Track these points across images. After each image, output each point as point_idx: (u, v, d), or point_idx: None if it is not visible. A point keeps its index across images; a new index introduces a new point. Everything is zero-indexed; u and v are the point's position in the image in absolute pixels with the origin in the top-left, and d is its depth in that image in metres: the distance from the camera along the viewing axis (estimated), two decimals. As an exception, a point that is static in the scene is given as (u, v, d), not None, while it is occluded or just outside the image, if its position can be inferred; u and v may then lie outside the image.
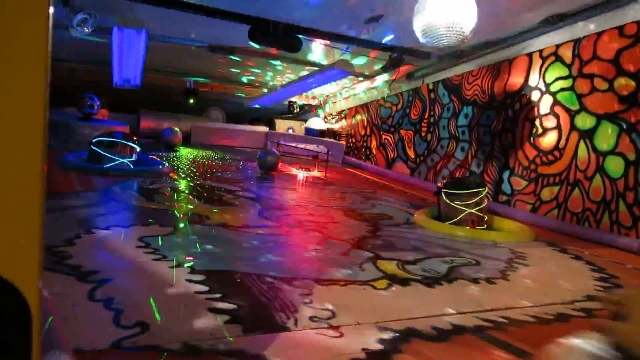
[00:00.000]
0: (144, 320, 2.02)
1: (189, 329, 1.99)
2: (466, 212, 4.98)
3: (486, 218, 5.11)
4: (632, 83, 4.92)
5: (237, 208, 4.85)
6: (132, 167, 6.44)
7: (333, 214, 5.08)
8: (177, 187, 5.75)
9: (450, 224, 4.98)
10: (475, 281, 3.14)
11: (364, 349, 1.96)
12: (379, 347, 2.00)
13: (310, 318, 2.22)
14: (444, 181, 5.35)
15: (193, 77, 10.90)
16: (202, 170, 7.36)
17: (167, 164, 7.36)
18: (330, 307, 2.39)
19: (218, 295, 2.38)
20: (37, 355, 0.72)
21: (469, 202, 5.01)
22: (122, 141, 6.39)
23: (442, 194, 5.16)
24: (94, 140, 6.36)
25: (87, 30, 5.65)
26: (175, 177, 6.51)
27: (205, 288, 2.47)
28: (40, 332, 0.72)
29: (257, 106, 12.63)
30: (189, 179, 6.43)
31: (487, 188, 5.34)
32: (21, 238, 0.70)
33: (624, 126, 4.98)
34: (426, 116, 8.61)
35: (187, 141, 11.49)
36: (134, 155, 6.55)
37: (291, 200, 5.69)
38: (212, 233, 3.69)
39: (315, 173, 8.61)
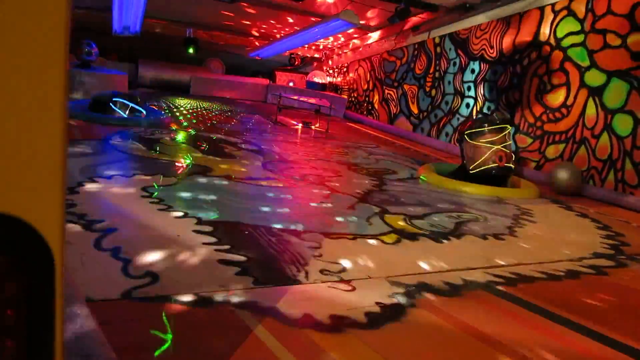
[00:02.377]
0: (153, 271, 1.98)
1: (199, 280, 1.96)
2: (492, 149, 4.85)
3: (513, 157, 4.98)
4: (647, 39, 4.78)
5: (240, 160, 4.78)
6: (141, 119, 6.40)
7: (337, 167, 5.02)
8: (178, 138, 5.66)
9: (476, 166, 4.88)
10: (483, 237, 3.11)
11: (377, 303, 1.93)
12: (393, 300, 1.97)
13: (321, 271, 2.19)
14: (465, 125, 5.18)
15: (193, 25, 10.62)
16: (202, 122, 7.24)
17: (167, 114, 7.24)
18: (340, 260, 2.35)
19: (227, 247, 2.34)
20: (61, 304, 0.67)
21: (494, 139, 4.86)
22: (133, 104, 6.33)
23: (465, 136, 5.03)
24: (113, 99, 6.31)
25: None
26: (176, 127, 6.40)
27: (214, 239, 2.42)
28: (62, 281, 0.67)
29: (257, 57, 12.37)
30: (189, 130, 6.33)
31: (512, 125, 5.14)
32: (43, 180, 0.63)
33: (635, 83, 4.87)
34: (431, 71, 8.44)
35: (186, 92, 11.31)
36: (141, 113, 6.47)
37: (294, 153, 5.62)
38: (216, 184, 3.64)
39: (317, 127, 8.51)
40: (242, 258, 2.23)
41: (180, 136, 5.78)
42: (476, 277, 2.38)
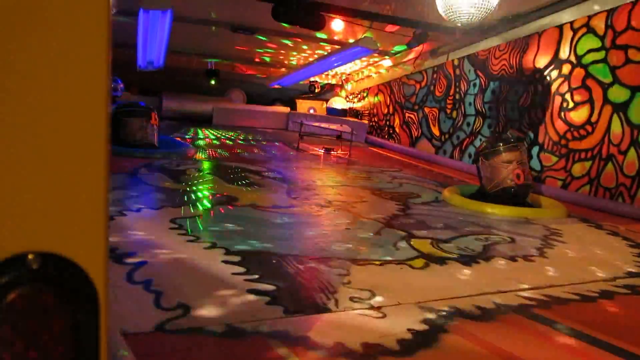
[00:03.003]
0: (184, 302, 2.00)
1: (230, 311, 1.97)
2: (509, 168, 4.83)
3: (531, 175, 4.95)
4: (670, 53, 4.74)
5: (265, 188, 4.83)
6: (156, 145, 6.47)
7: (361, 193, 5.03)
8: (202, 168, 5.74)
9: (494, 185, 4.86)
10: (513, 259, 3.08)
11: (409, 330, 1.92)
12: (425, 327, 1.96)
13: (351, 299, 2.19)
14: (480, 146, 5.20)
15: (214, 58, 10.85)
16: (226, 151, 7.34)
17: (191, 145, 7.36)
18: (369, 287, 2.35)
19: (256, 277, 2.35)
20: (105, 341, 0.69)
21: (510, 158, 4.83)
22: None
23: (481, 157, 5.03)
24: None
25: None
26: (201, 158, 6.50)
27: (242, 269, 2.44)
28: (107, 317, 0.69)
29: (277, 86, 12.55)
30: (214, 160, 6.42)
31: (526, 141, 5.15)
32: (87, 218, 0.66)
33: (661, 98, 4.81)
34: (451, 93, 8.45)
35: (209, 122, 11.49)
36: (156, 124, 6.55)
37: (318, 180, 5.65)
38: (243, 214, 3.67)
39: (339, 153, 8.55)
40: (272, 287, 2.24)
41: (205, 166, 5.87)
42: (508, 300, 2.35)
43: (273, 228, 3.37)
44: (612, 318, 2.26)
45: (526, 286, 2.57)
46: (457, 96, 8.26)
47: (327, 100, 12.93)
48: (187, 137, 8.68)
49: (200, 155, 6.70)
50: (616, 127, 5.26)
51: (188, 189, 4.46)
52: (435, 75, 8.97)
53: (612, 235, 4.06)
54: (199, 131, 9.90)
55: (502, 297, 2.38)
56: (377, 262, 2.78)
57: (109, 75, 0.68)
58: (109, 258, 2.15)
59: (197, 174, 5.28)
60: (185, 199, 4.00)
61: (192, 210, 3.61)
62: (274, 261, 2.63)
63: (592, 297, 2.51)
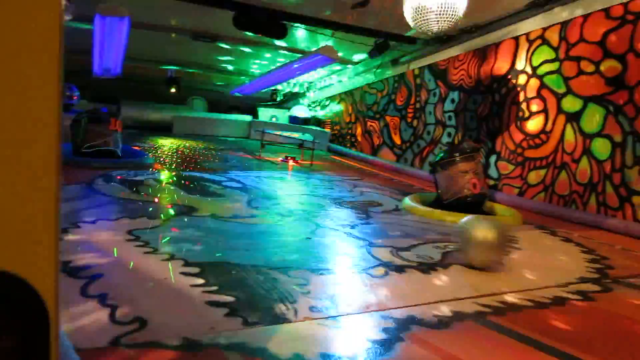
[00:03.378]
0: (141, 316, 1.99)
1: (187, 323, 1.97)
2: (466, 177, 4.96)
3: (487, 184, 5.12)
4: (619, 65, 4.96)
5: (225, 198, 4.81)
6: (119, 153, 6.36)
7: (322, 202, 5.07)
8: (162, 178, 5.68)
9: (451, 195, 4.98)
10: (470, 267, 3.16)
11: (368, 339, 1.95)
12: (383, 336, 2.00)
13: (310, 308, 2.21)
14: (436, 157, 5.34)
15: (174, 65, 10.75)
16: (186, 161, 7.28)
17: (150, 155, 7.27)
18: (329, 296, 2.38)
19: (215, 288, 2.35)
20: (56, 357, 0.70)
21: (466, 167, 4.99)
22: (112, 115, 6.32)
23: (439, 167, 5.14)
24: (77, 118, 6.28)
25: (66, 18, 5.51)
26: (160, 168, 6.43)
27: (201, 281, 2.44)
28: (57, 334, 0.70)
29: (239, 94, 12.52)
30: (173, 169, 6.35)
31: (481, 152, 5.34)
32: (37, 233, 0.67)
33: (611, 108, 5.02)
34: (412, 102, 8.61)
35: (169, 131, 11.36)
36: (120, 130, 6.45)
37: (279, 189, 5.66)
38: (202, 224, 3.66)
39: (301, 161, 8.58)
40: (231, 298, 2.24)
41: (164, 177, 5.80)
42: (465, 307, 2.41)
43: (233, 238, 3.36)
44: (564, 324, 2.35)
45: (482, 293, 2.65)
46: (418, 105, 8.42)
47: (289, 109, 12.95)
48: (146, 146, 8.56)
49: (159, 165, 6.62)
50: (569, 136, 5.46)
51: (146, 199, 4.40)
52: (396, 85, 9.12)
53: (565, 242, 4.21)
54: (159, 140, 9.77)
55: (459, 305, 2.44)
56: (338, 271, 2.81)
57: (61, 83, 0.68)
58: (60, 272, 2.11)
59: (156, 184, 5.21)
60: (143, 210, 3.95)
61: (150, 222, 3.57)
62: (233, 272, 2.63)
63: (545, 303, 2.60)
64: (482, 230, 3.02)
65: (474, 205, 4.97)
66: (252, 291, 2.37)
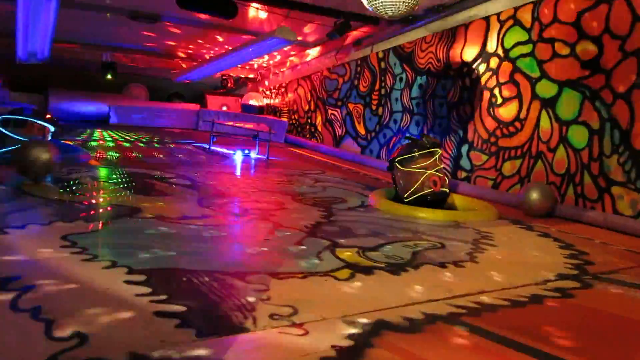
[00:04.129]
0: (80, 331, 1.95)
1: (134, 337, 1.95)
2: (426, 175, 5.08)
3: (447, 181, 5.27)
4: (594, 47, 5.13)
5: (173, 197, 4.76)
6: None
7: (281, 199, 5.08)
8: (99, 176, 5.57)
9: (411, 193, 5.10)
10: (442, 265, 3.22)
11: (333, 346, 1.98)
12: (350, 342, 2.02)
13: (271, 316, 2.22)
14: (394, 153, 5.46)
15: (111, 49, 10.53)
16: (126, 156, 7.16)
17: (85, 150, 7.12)
18: (290, 302, 2.39)
19: (163, 297, 2.33)
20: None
21: (426, 164, 5.13)
22: (32, 120, 6.12)
23: (396, 164, 5.24)
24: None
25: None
26: (97, 164, 6.30)
27: (148, 290, 2.41)
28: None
29: (185, 81, 12.38)
30: (112, 166, 6.24)
31: (441, 148, 5.48)
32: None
33: (587, 93, 5.20)
34: (376, 88, 8.69)
35: (105, 122, 11.14)
36: (48, 135, 6.29)
37: (233, 186, 5.64)
38: (147, 227, 3.61)
39: (256, 154, 8.55)
40: (182, 308, 2.23)
41: (102, 174, 5.69)
42: (437, 309, 2.47)
43: (182, 242, 3.34)
44: (542, 323, 2.43)
45: (456, 294, 2.71)
46: (383, 91, 8.51)
47: (241, 96, 12.89)
48: (79, 140, 8.37)
49: (96, 161, 6.49)
50: (545, 123, 5.63)
51: (82, 200, 4.32)
52: (359, 69, 9.19)
53: (543, 237, 4.35)
54: (95, 133, 9.57)
55: (432, 307, 2.49)
56: (299, 275, 2.82)
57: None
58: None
59: (92, 183, 5.11)
60: (79, 212, 3.87)
61: (87, 225, 3.51)
62: (184, 279, 2.61)
63: (522, 302, 2.68)
64: None
65: (434, 203, 5.10)
66: (205, 299, 2.36)
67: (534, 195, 5.10)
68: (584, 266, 3.49)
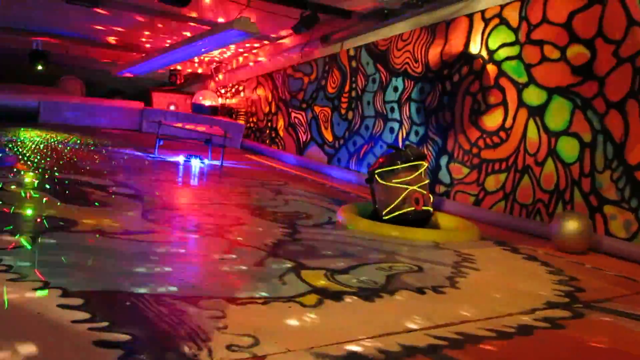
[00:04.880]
0: (7, 363, 1.91)
1: (71, 371, 1.91)
2: (408, 191, 5.11)
3: (432, 199, 5.30)
4: (587, 51, 5.27)
5: (113, 209, 4.70)
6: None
7: (237, 213, 5.06)
8: (27, 182, 5.46)
9: (390, 210, 5.12)
10: (421, 291, 3.26)
11: (300, 383, 1.97)
12: (319, 379, 2.02)
13: (228, 347, 2.20)
14: (375, 164, 5.47)
15: (41, 35, 10.35)
16: (58, 160, 7.03)
17: (9, 152, 6.96)
18: (251, 331, 2.38)
19: (104, 324, 2.29)
20: None
21: (409, 178, 5.15)
22: None
23: (376, 177, 5.25)
24: None
25: None
26: (24, 169, 6.17)
27: (86, 315, 2.37)
28: None
29: (128, 75, 12.24)
30: (42, 171, 6.12)
31: (427, 160, 5.52)
32: None
33: (578, 102, 5.33)
34: (346, 89, 8.75)
35: (34, 120, 10.93)
36: None
37: (182, 197, 5.60)
38: (84, 242, 3.55)
39: (209, 161, 8.50)
40: (126, 337, 2.19)
41: (31, 180, 5.58)
42: (416, 340, 2.49)
43: (125, 260, 3.29)
44: (531, 357, 2.48)
45: (436, 323, 2.74)
46: (354, 93, 8.58)
47: (192, 95, 12.80)
48: (4, 140, 8.19)
49: (23, 166, 6.36)
50: (532, 134, 5.75)
51: (7, 210, 4.22)
52: (327, 68, 9.24)
53: (529, 260, 4.43)
54: (21, 133, 9.38)
55: (409, 338, 2.51)
56: (260, 301, 2.82)
57: None
58: None
59: (19, 191, 5.00)
60: (5, 225, 3.78)
61: (14, 240, 3.43)
62: (127, 303, 2.57)
63: (509, 333, 2.73)
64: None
65: (416, 223, 5.14)
66: (153, 327, 2.33)
67: (573, 227, 4.82)
68: (575, 293, 3.57)
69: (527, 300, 3.29)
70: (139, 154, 8.63)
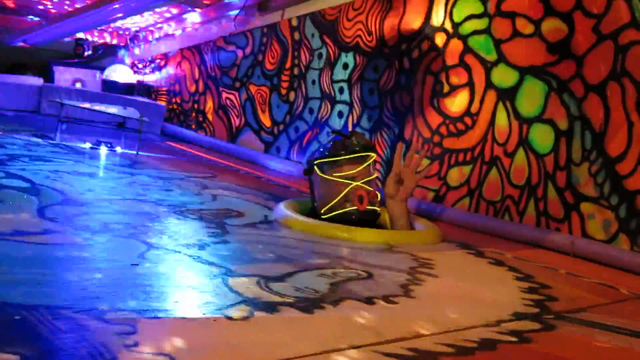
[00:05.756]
0: None
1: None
2: (351, 187, 5.12)
3: (379, 197, 5.30)
4: (564, 26, 5.39)
5: (2, 205, 4.59)
6: None
7: (154, 210, 5.01)
8: None
9: (329, 209, 5.15)
10: (370, 301, 3.28)
11: (224, 409, 1.97)
12: (247, 403, 2.02)
13: (139, 368, 2.18)
14: (315, 153, 5.44)
15: None
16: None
17: None
18: (167, 350, 2.36)
19: (-13, 342, 2.24)
20: None
21: (353, 172, 5.15)
22: None
23: (315, 168, 5.26)
24: None
25: None
26: None
27: (-36, 332, 2.31)
28: None
29: (23, 44, 11.97)
30: None
31: (375, 152, 5.52)
32: None
33: (554, 83, 5.45)
34: (287, 66, 8.74)
35: None
36: None
37: (88, 191, 5.51)
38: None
39: (122, 149, 8.38)
40: (13, 357, 2.15)
41: None
42: (363, 358, 2.50)
43: (15, 266, 3.21)
44: (494, 375, 2.53)
45: (386, 338, 2.76)
46: (296, 71, 8.57)
47: (103, 70, 12.59)
48: None
49: None
50: (502, 120, 5.85)
51: None
52: (265, 40, 9.21)
53: (496, 265, 4.53)
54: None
55: (355, 355, 2.53)
56: (179, 313, 2.79)
57: None
58: None
59: None
60: None
61: None
62: (16, 317, 2.52)
63: (469, 348, 2.77)
64: None
65: (363, 223, 5.13)
66: (47, 345, 2.29)
67: None
68: (546, 302, 3.66)
69: (491, 311, 3.36)
70: (37, 140, 8.44)
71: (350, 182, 5.14)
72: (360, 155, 5.20)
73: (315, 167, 5.27)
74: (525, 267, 4.52)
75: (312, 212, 5.36)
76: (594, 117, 5.13)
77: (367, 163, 5.24)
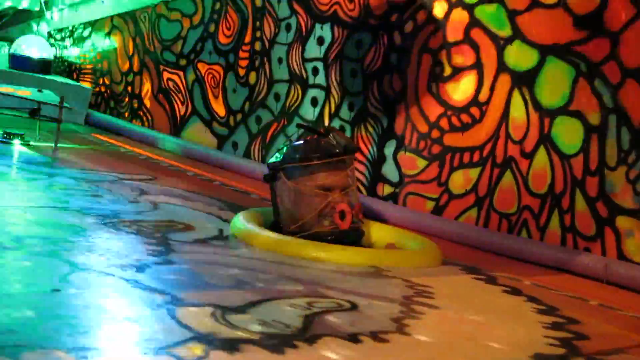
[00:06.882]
0: None
1: None
2: (329, 200, 5.06)
3: (362, 210, 5.24)
4: (596, -6, 5.43)
5: None
6: None
7: (80, 222, 4.97)
8: None
9: (300, 226, 5.11)
10: (354, 338, 3.27)
11: None
12: None
13: None
14: (282, 151, 5.31)
15: None
16: None
17: None
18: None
19: None
20: None
21: (332, 180, 5.09)
22: None
23: (281, 174, 5.20)
24: None
25: None
26: None
27: None
28: None
29: None
30: None
31: (356, 154, 5.45)
32: None
33: (583, 67, 5.46)
34: (247, 40, 8.72)
35: None
36: None
37: (-6, 196, 5.48)
38: None
39: (37, 142, 8.33)
40: None
41: None
42: (347, 412, 2.51)
43: None
44: None
45: (376, 386, 2.77)
46: (259, 46, 8.55)
47: (12, 41, 12.51)
48: None
49: None
50: (518, 111, 5.86)
51: None
52: (218, 6, 9.18)
53: (512, 295, 4.53)
54: None
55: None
56: (115, 351, 2.78)
57: None
58: None
59: None
60: None
61: None
62: None
63: (480, 400, 2.79)
64: None
65: (341, 244, 5.05)
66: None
67: None
68: (574, 342, 3.67)
69: (506, 353, 3.37)
70: None
71: (327, 193, 5.09)
72: (341, 160, 5.15)
73: (281, 172, 5.20)
74: (548, 297, 4.53)
75: (273, 227, 5.32)
76: (633, 110, 5.13)
77: (348, 169, 5.20)
